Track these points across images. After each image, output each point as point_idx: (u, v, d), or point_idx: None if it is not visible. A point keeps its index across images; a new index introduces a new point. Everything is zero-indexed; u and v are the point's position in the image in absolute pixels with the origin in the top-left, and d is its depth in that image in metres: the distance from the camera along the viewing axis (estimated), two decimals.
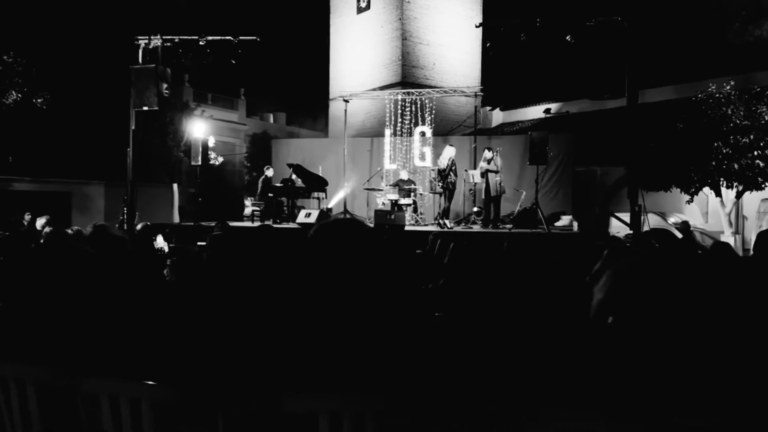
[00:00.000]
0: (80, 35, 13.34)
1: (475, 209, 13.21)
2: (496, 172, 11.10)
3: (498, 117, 27.92)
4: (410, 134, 14.90)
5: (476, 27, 10.43)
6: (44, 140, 14.46)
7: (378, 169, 14.37)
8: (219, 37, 9.19)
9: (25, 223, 11.24)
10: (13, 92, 9.00)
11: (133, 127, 9.76)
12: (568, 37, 8.25)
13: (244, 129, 23.14)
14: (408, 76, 25.15)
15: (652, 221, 13.84)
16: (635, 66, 8.00)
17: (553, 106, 24.94)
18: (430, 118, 14.99)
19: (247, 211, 17.73)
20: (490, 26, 8.82)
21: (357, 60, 26.80)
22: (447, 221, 11.24)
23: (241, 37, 9.12)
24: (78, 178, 18.04)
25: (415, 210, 12.86)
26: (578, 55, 24.84)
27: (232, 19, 29.63)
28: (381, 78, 25.73)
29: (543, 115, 25.11)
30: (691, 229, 14.44)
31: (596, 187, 17.59)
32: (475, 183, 11.44)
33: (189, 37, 9.33)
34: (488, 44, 9.14)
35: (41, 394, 1.63)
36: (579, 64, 24.84)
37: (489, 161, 11.19)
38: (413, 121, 15.28)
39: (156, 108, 9.46)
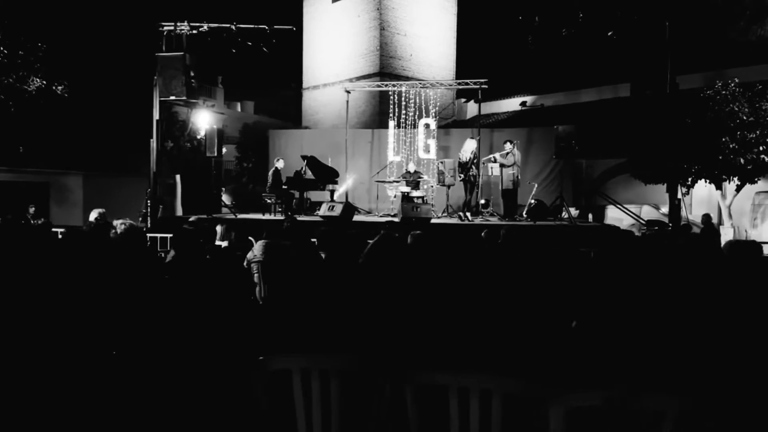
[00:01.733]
0: (92, 20, 12.72)
1: (482, 201, 13.41)
2: (511, 165, 11.31)
3: (473, 109, 28.24)
4: (414, 126, 14.97)
5: (519, 19, 10.41)
6: (26, 128, 13.75)
7: (390, 161, 14.40)
8: (252, 26, 8.96)
9: (30, 216, 10.71)
10: (36, 79, 8.51)
11: (157, 117, 9.42)
12: (610, 33, 8.45)
13: (222, 118, 22.55)
14: (386, 67, 25.13)
15: (645, 212, 14.39)
16: (674, 60, 8.26)
17: (528, 99, 25.47)
18: (434, 110, 15.09)
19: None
20: (528, 21, 8.86)
21: (332, 50, 26.53)
22: (468, 214, 11.37)
23: (276, 26, 8.92)
24: (55, 168, 17.34)
25: (424, 203, 12.94)
26: (555, 49, 25.39)
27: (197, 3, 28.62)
28: (358, 68, 25.59)
29: (519, 108, 25.67)
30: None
31: (582, 179, 18.12)
32: (491, 175, 11.61)
33: (220, 25, 9.05)
34: (530, 39, 9.21)
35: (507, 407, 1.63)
36: (554, 58, 25.31)
37: (506, 155, 11.38)
38: (417, 113, 15.35)
39: (184, 98, 9.17)
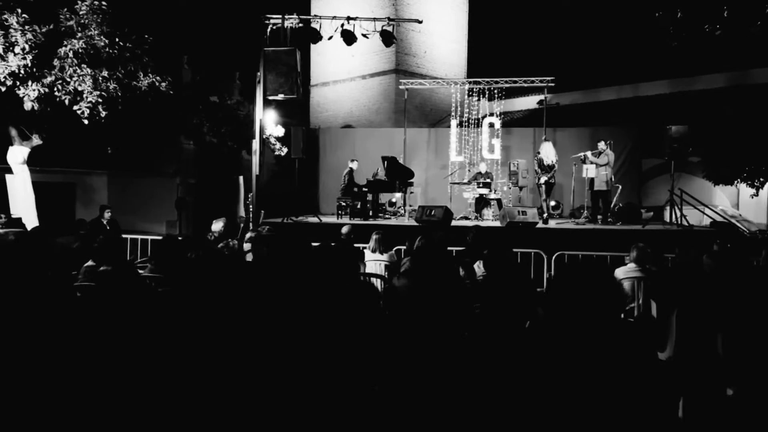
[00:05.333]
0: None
1: (553, 203, 13.12)
2: (605, 165, 11.03)
3: (485, 107, 28.00)
4: (479, 125, 14.69)
5: (656, 15, 9.77)
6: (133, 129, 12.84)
7: (452, 161, 13.97)
8: (372, 18, 8.39)
9: (105, 222, 9.89)
10: (149, 75, 7.74)
11: (261, 117, 8.76)
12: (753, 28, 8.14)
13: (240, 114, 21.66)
14: (401, 64, 24.77)
15: (711, 213, 14.20)
16: None
17: (543, 97, 25.32)
18: (498, 109, 14.80)
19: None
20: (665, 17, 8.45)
21: (343, 45, 25.93)
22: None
23: (398, 18, 8.37)
24: (81, 168, 16.53)
25: (500, 206, 12.57)
26: (571, 45, 25.36)
27: None
28: (372, 65, 25.12)
29: (535, 106, 25.53)
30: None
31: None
32: (585, 176, 11.31)
33: (334, 18, 8.45)
34: (671, 30, 8.75)
35: None
36: (571, 55, 25.29)
37: (599, 154, 11.10)
38: (479, 111, 15.05)
39: (294, 96, 8.53)
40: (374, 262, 6.08)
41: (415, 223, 10.46)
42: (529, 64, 27.98)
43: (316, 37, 9.02)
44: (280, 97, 8.53)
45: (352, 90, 26.28)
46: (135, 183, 17.90)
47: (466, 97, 29.25)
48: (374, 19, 8.62)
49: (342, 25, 8.67)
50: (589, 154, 11.22)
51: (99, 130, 8.63)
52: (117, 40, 7.28)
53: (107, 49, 7.16)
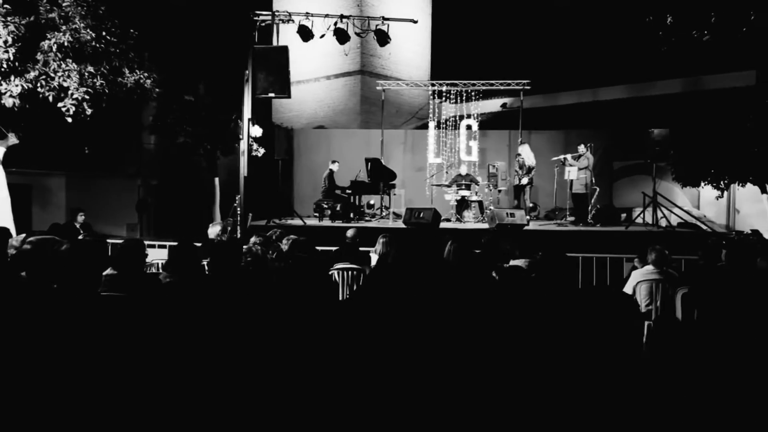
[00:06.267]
0: None
1: (530, 204, 13.24)
2: (584, 168, 11.19)
3: (449, 109, 28.19)
4: (456, 126, 14.73)
5: (647, 20, 9.73)
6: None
7: (430, 163, 13.94)
8: (366, 17, 8.24)
9: (78, 225, 9.37)
10: (136, 71, 7.33)
11: (249, 116, 8.47)
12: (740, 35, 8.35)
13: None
14: (367, 65, 24.70)
15: (680, 213, 14.56)
16: None
17: (506, 101, 25.68)
18: (476, 113, 14.86)
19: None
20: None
21: (306, 45, 25.65)
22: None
23: (392, 18, 8.25)
24: (38, 169, 15.74)
25: (481, 208, 12.61)
26: (532, 50, 25.78)
27: None
28: (336, 66, 24.93)
29: (499, 109, 25.83)
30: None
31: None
32: (567, 179, 11.45)
33: (326, 16, 8.25)
34: (661, 34, 8.84)
35: None
36: (532, 59, 25.67)
37: (578, 157, 11.25)
38: (456, 113, 15.09)
39: (285, 95, 8.28)
40: None
41: (402, 225, 10.37)
42: (491, 68, 28.30)
43: (308, 34, 8.83)
44: (271, 95, 8.28)
45: (316, 90, 25.98)
46: (95, 184, 17.18)
47: (432, 99, 29.43)
48: (368, 18, 8.47)
49: (336, 23, 8.47)
50: (569, 156, 11.37)
51: (64, 129, 8.16)
52: (104, 33, 6.88)
53: (93, 44, 6.76)
